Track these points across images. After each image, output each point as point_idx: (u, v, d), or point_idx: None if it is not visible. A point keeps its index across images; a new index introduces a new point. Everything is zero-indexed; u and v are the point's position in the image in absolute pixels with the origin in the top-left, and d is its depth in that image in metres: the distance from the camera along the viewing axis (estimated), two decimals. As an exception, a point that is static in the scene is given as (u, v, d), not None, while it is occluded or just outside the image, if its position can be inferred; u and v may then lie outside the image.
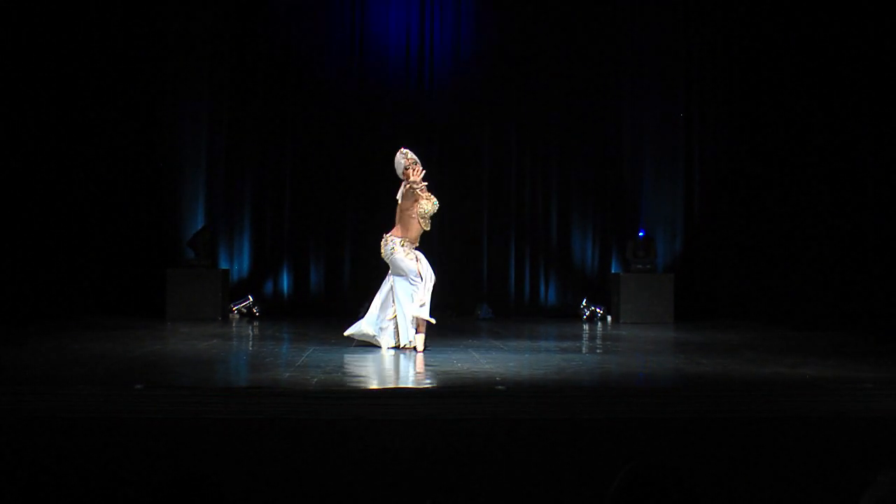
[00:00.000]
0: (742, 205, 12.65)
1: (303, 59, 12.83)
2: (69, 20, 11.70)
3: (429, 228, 8.88)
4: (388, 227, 8.87)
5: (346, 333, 8.94)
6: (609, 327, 11.79)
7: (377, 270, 13.20)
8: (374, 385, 6.80)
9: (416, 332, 8.65)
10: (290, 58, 12.83)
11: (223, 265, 12.59)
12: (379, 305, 8.83)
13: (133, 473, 4.69)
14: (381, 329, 8.82)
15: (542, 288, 13.08)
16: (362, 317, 8.96)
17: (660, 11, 13.04)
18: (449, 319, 12.27)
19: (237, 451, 5.26)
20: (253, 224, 12.91)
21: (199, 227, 12.42)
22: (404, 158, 8.81)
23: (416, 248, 8.85)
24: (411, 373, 7.51)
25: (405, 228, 8.75)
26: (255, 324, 11.52)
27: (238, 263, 12.87)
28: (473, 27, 13.05)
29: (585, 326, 11.83)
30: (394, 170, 8.90)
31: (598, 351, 9.50)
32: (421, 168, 8.76)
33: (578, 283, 13.09)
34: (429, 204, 8.74)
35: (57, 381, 6.55)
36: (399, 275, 8.73)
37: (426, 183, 8.77)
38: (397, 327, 8.76)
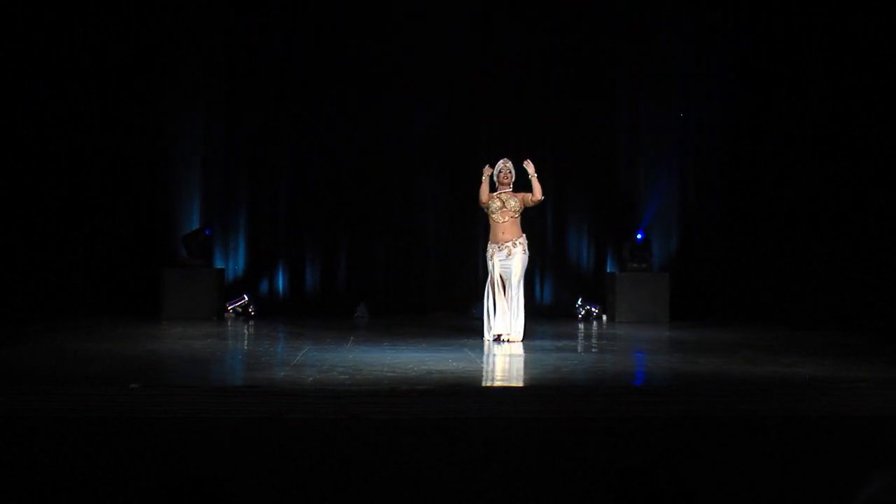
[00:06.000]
0: (738, 203, 12.64)
1: (300, 59, 12.81)
2: (68, 20, 11.67)
3: (500, 221, 9.34)
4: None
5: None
6: (605, 326, 11.80)
7: (373, 269, 13.30)
8: (370, 384, 6.79)
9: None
10: (287, 58, 12.81)
11: (219, 264, 12.59)
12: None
13: (131, 473, 4.69)
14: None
15: (538, 287, 13.06)
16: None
17: (658, 10, 13.03)
18: (445, 318, 12.27)
19: (233, 450, 5.27)
20: (248, 223, 12.90)
21: (195, 226, 12.40)
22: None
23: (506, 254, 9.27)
24: (409, 372, 7.50)
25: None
26: (251, 323, 11.52)
27: (233, 263, 12.86)
28: (468, 25, 13.03)
29: (581, 325, 11.84)
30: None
31: (593, 350, 9.51)
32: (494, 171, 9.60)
33: (574, 282, 13.09)
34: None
35: (55, 381, 6.55)
36: None
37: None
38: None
